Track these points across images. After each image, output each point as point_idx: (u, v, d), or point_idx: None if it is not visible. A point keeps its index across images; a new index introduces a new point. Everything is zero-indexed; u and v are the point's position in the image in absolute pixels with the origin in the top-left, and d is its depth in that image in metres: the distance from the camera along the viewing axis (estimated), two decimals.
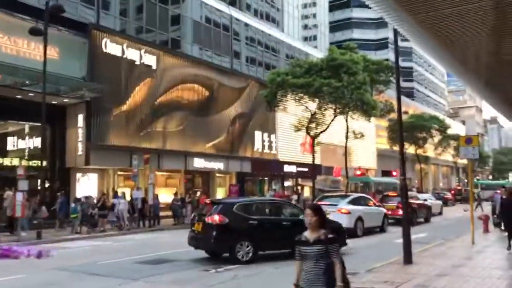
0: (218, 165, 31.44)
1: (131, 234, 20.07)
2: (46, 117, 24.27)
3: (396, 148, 47.39)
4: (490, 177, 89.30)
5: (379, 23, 67.16)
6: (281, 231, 12.23)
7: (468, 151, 13.98)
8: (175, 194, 24.62)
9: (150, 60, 26.84)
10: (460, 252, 12.90)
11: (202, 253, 13.11)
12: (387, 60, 43.96)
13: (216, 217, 11.54)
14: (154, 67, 27.08)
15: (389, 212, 21.24)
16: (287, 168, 38.21)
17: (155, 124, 26.98)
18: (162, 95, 27.57)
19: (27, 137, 26.19)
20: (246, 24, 38.11)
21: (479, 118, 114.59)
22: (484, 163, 77.67)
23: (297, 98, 30.17)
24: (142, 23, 28.64)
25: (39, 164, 25.09)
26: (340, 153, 37.88)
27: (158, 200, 23.02)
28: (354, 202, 19.21)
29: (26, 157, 24.92)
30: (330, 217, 17.83)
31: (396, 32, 12.48)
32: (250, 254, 11.63)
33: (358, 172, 39.03)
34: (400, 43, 63.05)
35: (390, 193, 24.26)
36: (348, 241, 16.65)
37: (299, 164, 38.63)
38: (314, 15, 56.53)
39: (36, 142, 26.41)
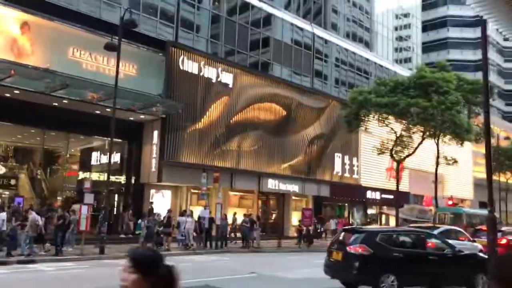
0: (294, 187, 30.13)
1: (195, 255, 19.33)
2: (125, 133, 24.97)
3: (496, 177, 42.88)
4: None
5: (478, 43, 62.26)
6: (426, 266, 11.20)
7: None
8: (245, 215, 23.68)
9: (227, 78, 26.55)
10: None
11: (253, 284, 11.89)
12: None
13: (359, 247, 10.80)
14: (230, 85, 26.74)
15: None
16: (370, 195, 35.88)
17: (230, 142, 26.46)
18: (237, 114, 27.08)
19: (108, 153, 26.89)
20: (328, 42, 36.78)
21: None
22: None
23: (380, 118, 28.18)
24: (221, 42, 28.50)
25: (115, 180, 25.75)
26: (431, 180, 34.86)
27: (226, 221, 22.20)
28: (443, 235, 16.90)
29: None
30: None
31: (485, 36, 10.69)
32: None
33: (450, 202, 35.54)
34: (503, 64, 58.05)
35: (484, 227, 21.23)
36: None
37: (383, 191, 36.14)
38: (409, 37, 53.69)
39: (116, 157, 27.11)
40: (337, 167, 33.61)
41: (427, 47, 62.51)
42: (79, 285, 11.12)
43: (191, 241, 20.27)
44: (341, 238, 12.07)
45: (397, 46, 51.48)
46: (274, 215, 31.80)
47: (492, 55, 64.14)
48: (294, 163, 30.44)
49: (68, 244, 17.05)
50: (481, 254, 12.62)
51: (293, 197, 32.02)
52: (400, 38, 52.06)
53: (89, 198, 17.23)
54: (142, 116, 23.58)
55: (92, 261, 15.80)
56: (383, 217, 38.71)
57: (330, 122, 33.04)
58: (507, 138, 43.31)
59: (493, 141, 44.08)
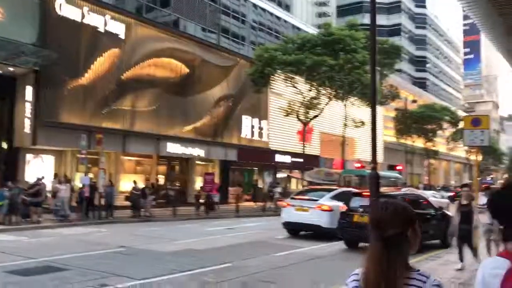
0: (198, 151, 28.12)
1: (71, 227, 16.90)
2: None
3: (404, 140, 43.77)
4: (505, 175, 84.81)
5: (391, 8, 63.01)
6: (425, 225, 12.22)
7: (475, 136, 10.44)
8: (134, 182, 21.35)
9: (117, 28, 23.56)
10: (458, 272, 9.43)
11: (110, 262, 9.92)
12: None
13: None
14: (122, 36, 23.80)
15: None
16: (279, 158, 34.80)
17: (122, 101, 23.75)
18: (131, 69, 24.29)
19: None
20: None
21: (496, 115, 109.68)
22: (499, 161, 73.36)
23: (288, 78, 26.82)
24: None
25: None
26: (343, 144, 34.35)
27: (112, 188, 19.83)
28: (339, 197, 15.76)
29: None
30: (310, 214, 14.76)
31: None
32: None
33: (358, 165, 35.42)
34: (415, 30, 59.27)
35: (386, 189, 20.63)
36: (323, 245, 13.47)
37: (294, 154, 35.17)
38: (328, 1, 52.41)
39: None
40: (246, 130, 32.03)
41: (343, 11, 62.08)
42: None
43: (67, 212, 17.75)
44: (364, 202, 12.57)
45: (317, 11, 50.39)
46: (178, 181, 29.72)
47: (405, 21, 65.33)
48: (199, 125, 28.37)
49: None
50: (448, 212, 13.88)
51: (198, 162, 30.09)
52: (319, 4, 50.90)
53: None
54: (11, 69, 20.18)
55: None
56: (293, 180, 38.03)
57: (238, 82, 31.12)
58: (414, 101, 44.15)
59: (401, 104, 44.92)
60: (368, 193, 13.01)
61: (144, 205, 20.37)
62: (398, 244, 1.71)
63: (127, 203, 22.06)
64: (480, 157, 52.38)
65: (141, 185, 22.34)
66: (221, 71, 30.01)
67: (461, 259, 9.51)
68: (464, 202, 9.63)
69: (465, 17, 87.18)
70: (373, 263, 1.70)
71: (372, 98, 9.21)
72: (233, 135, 31.06)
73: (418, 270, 1.74)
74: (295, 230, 15.52)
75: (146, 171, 27.18)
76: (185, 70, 27.42)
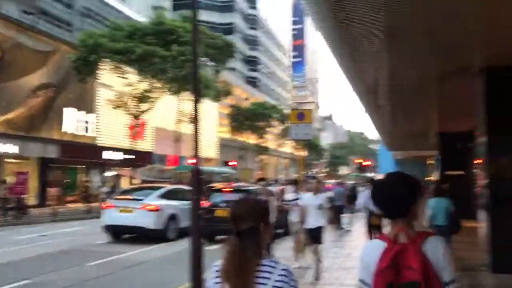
0: (11, 147, 24.47)
1: None
2: None
3: (238, 137, 44.87)
4: (326, 169, 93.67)
5: (224, 7, 64.29)
6: None
7: (299, 130, 10.45)
8: None
9: None
10: None
11: None
12: None
13: None
14: None
15: None
16: (108, 155, 32.38)
17: None
18: None
19: None
20: None
21: (317, 114, 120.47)
22: (321, 156, 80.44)
23: (117, 68, 24.97)
24: None
25: None
26: (177, 140, 33.38)
27: None
28: (167, 195, 14.81)
29: None
30: (135, 216, 13.52)
31: None
32: None
33: (192, 161, 34.96)
34: (248, 31, 61.18)
35: (217, 185, 20.31)
36: (147, 248, 12.38)
37: (125, 151, 33.13)
38: None
39: None
40: (69, 124, 29.00)
41: (179, 5, 61.35)
42: None
43: None
44: (225, 198, 13.46)
45: (153, 4, 48.83)
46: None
47: (238, 21, 67.21)
48: (11, 117, 24.74)
49: None
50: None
51: (10, 160, 26.20)
52: None
53: None
54: None
55: None
56: (125, 179, 35.94)
57: (60, 71, 27.94)
58: (246, 99, 45.51)
59: (235, 101, 45.97)
60: (229, 189, 14.38)
61: None
62: (251, 236, 1.85)
63: None
64: (305, 153, 56.64)
65: None
66: (39, 57, 26.64)
67: None
68: (262, 198, 9.13)
69: (295, 22, 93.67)
70: (229, 254, 1.84)
71: (194, 90, 8.42)
72: (54, 129, 27.89)
73: (269, 258, 1.87)
74: (118, 233, 14.13)
75: None
76: None
